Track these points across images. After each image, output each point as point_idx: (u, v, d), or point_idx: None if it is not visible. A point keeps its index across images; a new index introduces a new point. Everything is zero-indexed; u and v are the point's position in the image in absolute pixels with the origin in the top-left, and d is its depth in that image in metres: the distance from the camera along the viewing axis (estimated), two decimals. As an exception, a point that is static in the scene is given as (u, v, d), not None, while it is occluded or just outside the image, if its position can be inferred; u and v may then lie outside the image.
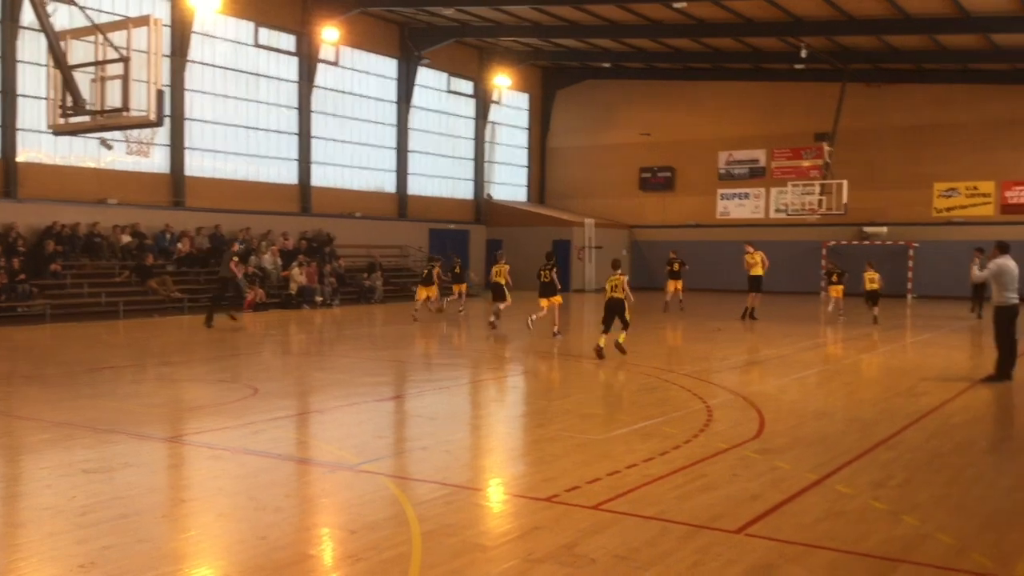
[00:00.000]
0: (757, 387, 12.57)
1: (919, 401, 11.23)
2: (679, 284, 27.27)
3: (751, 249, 24.76)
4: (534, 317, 18.96)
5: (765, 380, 13.52)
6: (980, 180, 34.33)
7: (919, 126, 35.16)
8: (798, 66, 33.50)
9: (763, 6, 28.28)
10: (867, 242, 35.42)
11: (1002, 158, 33.85)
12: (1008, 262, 12.77)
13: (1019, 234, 30.41)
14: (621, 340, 15.35)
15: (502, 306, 20.66)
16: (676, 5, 27.91)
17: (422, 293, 23.74)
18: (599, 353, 15.13)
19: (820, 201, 32.14)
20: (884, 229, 35.50)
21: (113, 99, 12.34)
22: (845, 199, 31.50)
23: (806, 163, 36.40)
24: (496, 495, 7.06)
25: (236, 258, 22.29)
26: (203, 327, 20.29)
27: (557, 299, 18.99)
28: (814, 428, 9.51)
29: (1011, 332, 12.80)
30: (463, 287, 25.96)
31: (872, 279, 23.48)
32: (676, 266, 27.45)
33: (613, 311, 15.39)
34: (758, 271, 24.23)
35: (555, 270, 18.96)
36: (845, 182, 31.77)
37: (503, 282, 21.00)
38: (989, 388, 12.37)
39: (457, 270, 26.27)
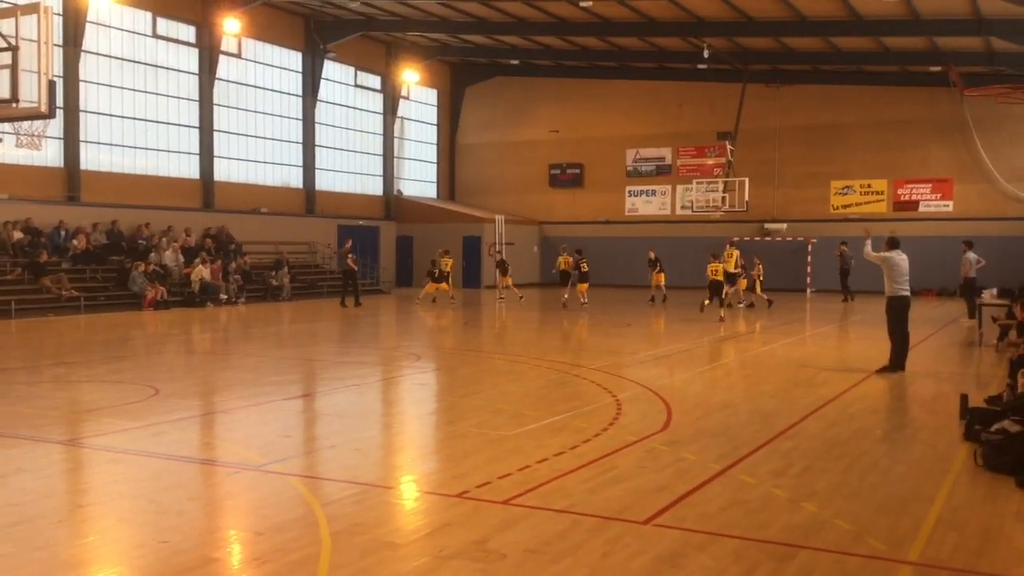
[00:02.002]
0: (665, 380, 12.80)
1: (817, 392, 11.60)
2: (661, 278, 29.29)
3: (730, 248, 27.61)
4: (582, 300, 26.39)
5: (673, 373, 13.77)
6: (874, 178, 35.69)
7: (816, 126, 36.33)
8: (701, 66, 34.25)
9: (666, 6, 28.79)
10: (768, 238, 36.43)
11: (894, 157, 35.27)
12: (897, 256, 13.27)
13: (912, 230, 31.80)
14: (722, 313, 22.08)
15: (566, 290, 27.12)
16: (582, 4, 28.18)
17: (432, 287, 27.69)
18: (702, 308, 23.07)
19: (723, 198, 33.01)
20: (784, 226, 36.58)
21: (1, 89, 11.79)
22: (747, 196, 32.41)
23: (710, 161, 37.34)
24: (407, 492, 7.02)
25: (351, 255, 27.14)
26: (338, 308, 26.14)
27: (584, 285, 26.51)
28: (718, 419, 9.73)
29: (903, 324, 13.31)
30: (508, 279, 29.51)
31: (716, 270, 26.51)
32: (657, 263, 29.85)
33: (714, 289, 22.82)
34: (730, 267, 26.59)
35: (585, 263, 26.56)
36: (747, 180, 32.67)
37: (569, 270, 27.22)
38: (884, 379, 12.84)
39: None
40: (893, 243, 13.48)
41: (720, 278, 22.97)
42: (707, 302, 23.04)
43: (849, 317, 24.14)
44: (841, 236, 33.71)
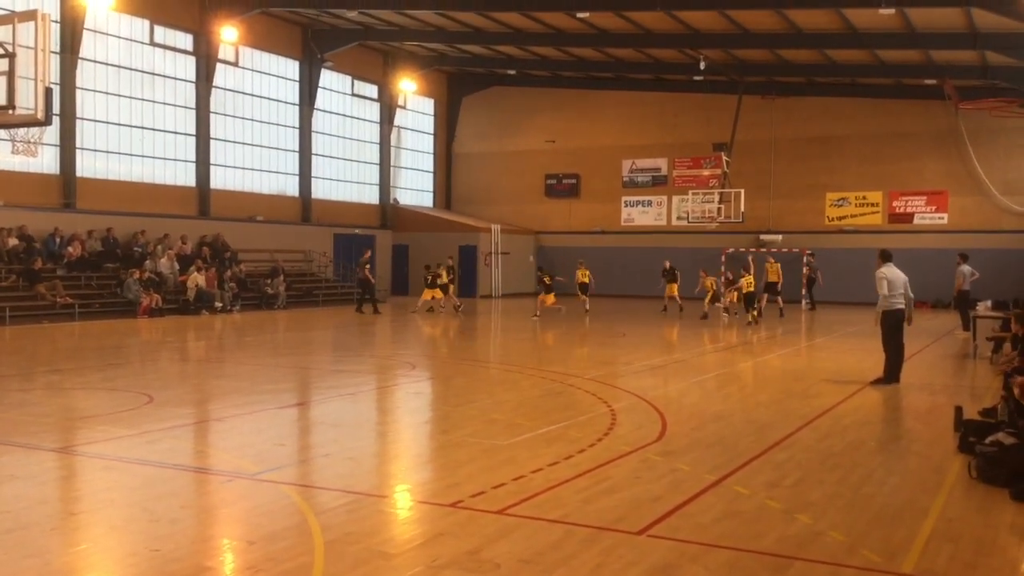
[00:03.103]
0: (660, 391, 12.80)
1: (812, 403, 11.61)
2: (674, 288, 29.30)
3: (772, 260, 28.56)
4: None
5: (667, 384, 13.77)
6: (869, 190, 35.79)
7: (811, 138, 36.44)
8: (697, 78, 34.37)
9: (662, 18, 28.87)
10: (763, 249, 36.45)
11: (889, 169, 35.37)
12: (892, 270, 13.28)
13: (906, 242, 31.90)
14: (753, 317, 24.35)
15: (587, 298, 28.29)
16: (579, 15, 28.25)
17: (427, 294, 27.47)
18: (756, 320, 24.48)
19: (719, 209, 33.09)
20: (779, 237, 36.63)
21: (-3, 96, 11.77)
22: (742, 207, 32.48)
23: (706, 172, 37.44)
24: (401, 502, 7.01)
25: (368, 265, 28.17)
26: (354, 313, 26.99)
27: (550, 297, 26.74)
28: (713, 430, 9.73)
29: (898, 336, 13.32)
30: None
31: (750, 283, 26.28)
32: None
33: (750, 299, 24.63)
34: (774, 278, 27.69)
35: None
36: (742, 191, 32.76)
37: (587, 281, 28.34)
38: (878, 390, 12.85)
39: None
40: (886, 256, 13.49)
41: (753, 290, 24.74)
42: (754, 312, 24.65)
43: (844, 329, 24.16)
44: (838, 248, 33.90)
